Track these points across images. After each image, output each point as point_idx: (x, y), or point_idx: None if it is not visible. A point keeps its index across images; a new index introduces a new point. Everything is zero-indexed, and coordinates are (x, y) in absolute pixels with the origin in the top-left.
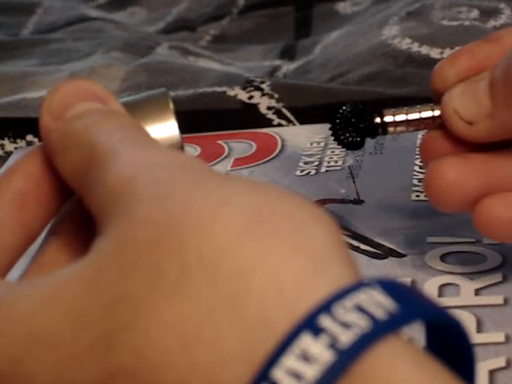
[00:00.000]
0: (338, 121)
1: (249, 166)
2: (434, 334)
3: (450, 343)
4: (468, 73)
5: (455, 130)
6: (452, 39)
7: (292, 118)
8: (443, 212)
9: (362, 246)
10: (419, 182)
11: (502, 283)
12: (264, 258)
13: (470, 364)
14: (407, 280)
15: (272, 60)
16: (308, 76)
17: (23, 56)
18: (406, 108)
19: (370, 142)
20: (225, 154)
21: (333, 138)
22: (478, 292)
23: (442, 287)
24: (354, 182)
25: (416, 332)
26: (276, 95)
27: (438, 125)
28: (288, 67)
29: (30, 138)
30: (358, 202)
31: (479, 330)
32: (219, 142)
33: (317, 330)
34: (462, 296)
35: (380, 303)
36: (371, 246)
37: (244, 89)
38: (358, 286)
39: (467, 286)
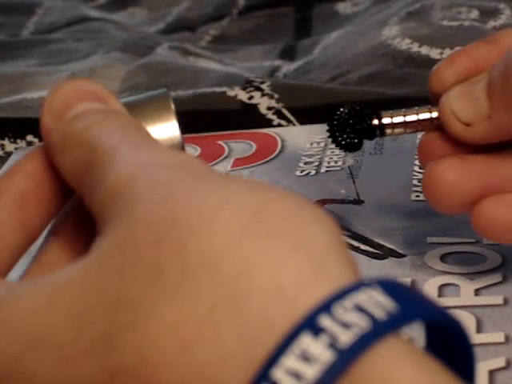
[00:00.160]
0: (335, 122)
1: (249, 166)
2: (433, 334)
3: (449, 343)
4: (466, 74)
5: (453, 131)
6: (452, 39)
7: (292, 118)
8: (442, 213)
9: (362, 247)
10: (419, 182)
11: (502, 283)
12: (264, 257)
13: (470, 364)
14: (407, 280)
15: (272, 60)
16: (308, 76)
17: (23, 56)
18: (403, 110)
19: (369, 143)
20: (225, 155)
21: (331, 140)
22: (477, 292)
23: (441, 287)
24: (353, 182)
25: (416, 332)
26: (276, 95)
27: (435, 126)
28: (288, 67)
29: (30, 138)
30: (358, 202)
31: (479, 330)
32: (219, 142)
33: (317, 330)
34: (461, 296)
35: (380, 303)
36: (371, 247)
37: (244, 89)
38: (358, 286)
39: (467, 286)
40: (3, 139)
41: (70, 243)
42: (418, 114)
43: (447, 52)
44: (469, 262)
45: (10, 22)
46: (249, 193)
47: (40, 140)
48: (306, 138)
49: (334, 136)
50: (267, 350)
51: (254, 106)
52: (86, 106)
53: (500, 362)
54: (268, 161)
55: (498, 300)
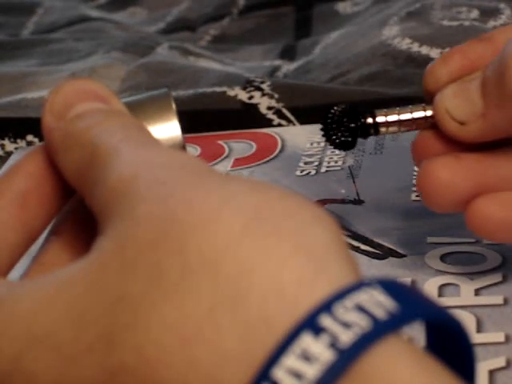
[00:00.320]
0: (329, 121)
1: (249, 166)
2: (434, 334)
3: (450, 343)
4: (460, 72)
5: (447, 130)
6: (452, 39)
7: (292, 118)
8: (437, 212)
9: (362, 247)
10: None
11: (502, 283)
12: (264, 257)
13: (470, 364)
14: (407, 280)
15: (272, 60)
16: (308, 76)
17: (23, 56)
18: (398, 108)
19: (370, 142)
20: (225, 154)
21: (324, 139)
22: (477, 292)
23: (441, 287)
24: (354, 182)
25: (416, 332)
26: (276, 95)
27: (430, 125)
28: (288, 67)
29: (30, 138)
30: (358, 202)
31: (479, 329)
32: (219, 142)
33: (317, 330)
34: (461, 296)
35: (380, 303)
36: (371, 247)
37: (244, 89)
38: (359, 285)
39: (467, 286)
40: (3, 139)
41: (71, 243)
42: (412, 112)
43: None
44: (469, 261)
45: (10, 21)
46: (249, 193)
47: (40, 140)
48: (306, 138)
49: (328, 134)
50: (268, 350)
51: (254, 106)
52: (87, 106)
53: (500, 362)
54: (268, 161)
55: (498, 300)
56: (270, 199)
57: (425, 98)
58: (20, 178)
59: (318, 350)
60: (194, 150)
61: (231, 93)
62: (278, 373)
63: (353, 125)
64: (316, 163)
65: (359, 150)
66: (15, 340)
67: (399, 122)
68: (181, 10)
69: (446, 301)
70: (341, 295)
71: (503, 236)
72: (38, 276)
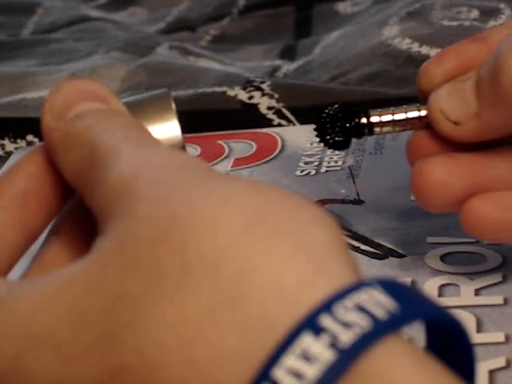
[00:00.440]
0: (323, 121)
1: (249, 166)
2: (434, 333)
3: (450, 343)
4: (455, 72)
5: (442, 130)
6: (452, 39)
7: (292, 118)
8: (431, 212)
9: (362, 247)
10: None
11: (502, 283)
12: (265, 257)
13: (470, 364)
14: (407, 280)
15: (272, 60)
16: (308, 76)
17: (23, 56)
18: (392, 108)
19: (370, 142)
20: (225, 154)
21: (319, 140)
22: (477, 292)
23: (442, 287)
24: (354, 182)
25: (416, 332)
26: (276, 95)
27: (424, 125)
28: (288, 67)
29: (30, 138)
30: (358, 202)
31: (479, 330)
32: (219, 142)
33: (317, 330)
34: (461, 296)
35: (380, 303)
36: (371, 247)
37: (244, 89)
38: (359, 285)
39: (467, 286)
40: (3, 139)
41: (71, 243)
42: (406, 112)
43: None
44: (469, 261)
45: (10, 21)
46: (249, 193)
47: (40, 140)
48: (306, 138)
49: (322, 134)
50: (268, 350)
51: (254, 106)
52: (87, 106)
53: (500, 362)
54: (268, 161)
55: (498, 300)
56: (270, 199)
57: (419, 98)
58: (20, 178)
59: (318, 349)
60: (194, 150)
61: (231, 93)
62: (278, 373)
63: (347, 125)
64: (316, 163)
65: (359, 150)
66: (15, 340)
67: (393, 122)
68: (181, 10)
69: (445, 301)
70: (341, 295)
71: (497, 236)
72: (37, 276)
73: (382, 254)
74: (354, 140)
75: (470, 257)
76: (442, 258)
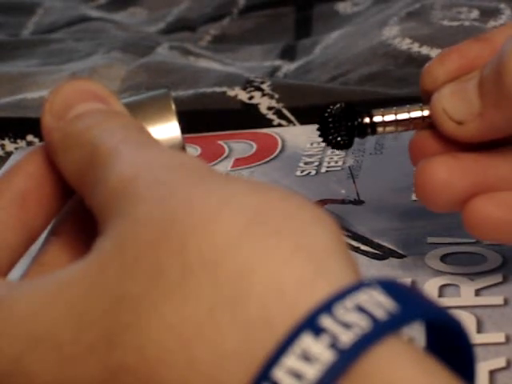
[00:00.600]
0: (326, 120)
1: (249, 166)
2: (434, 334)
3: (450, 343)
4: (458, 72)
5: (445, 130)
6: (452, 39)
7: (292, 118)
8: (434, 211)
9: (362, 247)
10: None
11: (503, 284)
12: (265, 258)
13: (470, 364)
14: (407, 280)
15: (272, 60)
16: (308, 76)
17: (23, 56)
18: (395, 108)
19: (370, 142)
20: (225, 155)
21: (322, 139)
22: (478, 292)
23: (442, 287)
24: (354, 182)
25: (416, 332)
26: (276, 95)
27: (427, 125)
28: (288, 67)
29: (30, 138)
30: (358, 202)
31: (479, 330)
32: (219, 142)
33: (317, 330)
34: (462, 296)
35: (380, 303)
36: (371, 247)
37: (244, 89)
38: (359, 286)
39: (467, 287)
40: (3, 139)
41: (71, 243)
42: (409, 112)
43: None
44: (469, 262)
45: (10, 21)
46: (249, 193)
47: (40, 140)
48: (307, 138)
49: (325, 134)
50: (268, 350)
51: (255, 106)
52: (86, 106)
53: (500, 362)
54: (268, 161)
55: (499, 300)
56: (271, 200)
57: (422, 98)
58: (20, 178)
59: (318, 350)
60: (194, 150)
61: (231, 93)
62: (278, 373)
63: (350, 124)
64: (316, 163)
65: (359, 150)
66: (15, 340)
67: (396, 122)
68: (181, 10)
69: (446, 301)
70: (341, 296)
71: (499, 236)
72: (37, 276)
73: (382, 254)
74: (355, 140)
75: (471, 257)
76: (443, 259)
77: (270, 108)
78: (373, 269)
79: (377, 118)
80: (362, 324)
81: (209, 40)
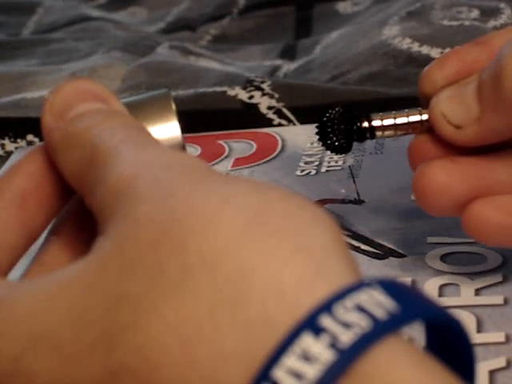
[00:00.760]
0: (324, 124)
1: (249, 165)
2: (434, 334)
3: (450, 343)
4: (456, 76)
5: (443, 134)
6: (452, 39)
7: (292, 117)
8: (433, 215)
9: (363, 246)
10: None
11: (502, 283)
12: (265, 258)
13: (470, 364)
14: (407, 280)
15: (272, 60)
16: (308, 76)
17: (24, 56)
18: (393, 112)
19: (370, 142)
20: (225, 154)
21: (321, 143)
22: (478, 292)
23: (442, 287)
24: (354, 181)
25: (416, 332)
26: (276, 95)
27: (426, 129)
28: (288, 67)
29: (30, 137)
30: (359, 202)
31: (479, 329)
32: (219, 141)
33: (317, 330)
34: (462, 296)
35: (380, 303)
36: (371, 246)
37: (244, 89)
38: (359, 286)
39: (467, 286)
40: (4, 139)
41: (71, 243)
42: (408, 116)
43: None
44: (469, 261)
45: (10, 21)
46: (249, 193)
47: (41, 140)
48: (307, 138)
49: (323, 138)
50: (268, 350)
51: (255, 106)
52: (87, 106)
53: (500, 362)
54: (268, 160)
55: (499, 300)
56: (271, 200)
57: (421, 102)
58: (20, 178)
59: (318, 350)
60: (194, 150)
61: (231, 92)
62: (278, 373)
63: (348, 128)
64: (316, 163)
65: (359, 149)
66: (15, 340)
67: (395, 126)
68: (181, 10)
69: (446, 301)
70: (341, 295)
71: (499, 240)
72: (37, 276)
73: (382, 253)
74: (354, 142)
75: (470, 257)
76: (443, 258)
77: (270, 107)
78: (373, 268)
79: (375, 122)
80: (361, 324)
81: (209, 40)
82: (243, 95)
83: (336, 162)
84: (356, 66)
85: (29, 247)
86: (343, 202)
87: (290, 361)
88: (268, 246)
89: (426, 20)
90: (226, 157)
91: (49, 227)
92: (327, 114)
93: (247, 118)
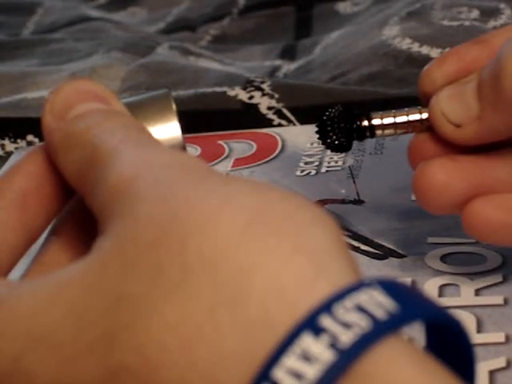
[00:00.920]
0: (324, 123)
1: (249, 166)
2: (434, 334)
3: (450, 343)
4: (456, 75)
5: (443, 132)
6: (452, 39)
7: (292, 118)
8: (433, 214)
9: (363, 247)
10: None
11: (502, 283)
12: (265, 258)
13: (470, 364)
14: (407, 280)
15: (272, 60)
16: (308, 76)
17: (24, 56)
18: (393, 111)
19: (370, 142)
20: (225, 154)
21: (320, 142)
22: (478, 292)
23: (442, 287)
24: (354, 182)
25: (416, 332)
26: (276, 95)
27: (426, 127)
28: (288, 67)
29: (30, 138)
30: (359, 202)
31: (479, 330)
32: (219, 142)
33: (317, 330)
34: (462, 296)
35: (380, 303)
36: (371, 247)
37: (244, 89)
38: (359, 286)
39: (467, 287)
40: (4, 139)
41: (71, 243)
42: (408, 115)
43: None
44: (469, 262)
45: (10, 21)
46: (249, 193)
47: (41, 140)
48: (307, 138)
49: (323, 137)
50: (268, 350)
51: (255, 106)
52: (87, 106)
53: (500, 362)
54: (268, 161)
55: (499, 300)
56: (271, 200)
57: (421, 101)
58: (20, 178)
59: (318, 350)
60: (194, 150)
61: (231, 93)
62: (278, 373)
63: (348, 127)
64: (316, 163)
65: (359, 149)
66: (15, 340)
67: (395, 125)
68: (181, 10)
69: (446, 301)
70: (341, 295)
71: (498, 238)
72: (38, 276)
73: (382, 254)
74: (354, 141)
75: (470, 257)
76: (443, 259)
77: (270, 108)
78: (373, 268)
79: (375, 121)
80: (361, 324)
81: (209, 40)
82: (243, 95)
83: (336, 162)
84: (356, 66)
85: (29, 247)
86: (343, 202)
87: (290, 361)
88: (268, 246)
89: (426, 20)
90: (226, 157)
91: (49, 227)
92: (327, 113)
93: (247, 118)
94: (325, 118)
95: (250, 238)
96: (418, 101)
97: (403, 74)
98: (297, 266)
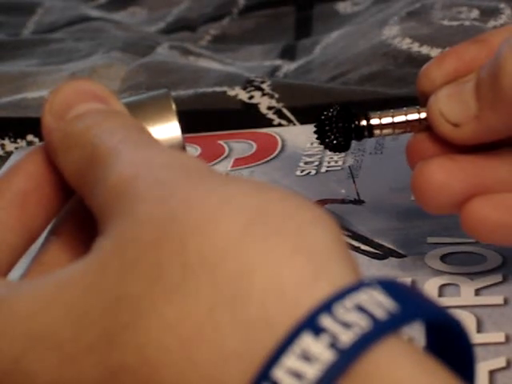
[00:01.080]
0: (322, 122)
1: (249, 166)
2: (434, 334)
3: (450, 343)
4: (455, 74)
5: (441, 132)
6: (452, 39)
7: (292, 117)
8: (431, 213)
9: (363, 247)
10: None
11: (502, 283)
12: (265, 258)
13: (470, 364)
14: (407, 280)
15: (272, 60)
16: (308, 76)
17: (24, 56)
18: (392, 110)
19: (370, 142)
20: (225, 154)
21: (319, 142)
22: (478, 292)
23: (442, 287)
24: (354, 182)
25: (416, 332)
26: (276, 95)
27: (424, 127)
28: (288, 67)
29: (30, 137)
30: (358, 202)
31: (479, 330)
32: (219, 142)
33: (317, 330)
34: (462, 296)
35: (380, 303)
36: (371, 247)
37: (244, 89)
38: (359, 286)
39: (467, 286)
40: (3, 139)
41: (71, 243)
42: (406, 114)
43: None
44: (469, 262)
45: (10, 21)
46: (249, 193)
47: (41, 140)
48: (307, 138)
49: (322, 136)
50: (268, 350)
51: (255, 106)
52: (86, 107)
53: (500, 362)
54: (268, 161)
55: (499, 300)
56: (271, 200)
57: (419, 100)
58: (20, 178)
59: (318, 350)
60: (194, 150)
61: (231, 93)
62: (278, 373)
63: (347, 127)
64: (316, 163)
65: (359, 149)
66: (15, 340)
67: (393, 125)
68: (181, 10)
69: (446, 301)
70: (341, 295)
71: (497, 238)
72: (37, 276)
73: (382, 254)
74: (353, 141)
75: (470, 257)
76: (442, 258)
77: (270, 108)
78: (373, 268)
79: (374, 121)
80: (361, 324)
81: (209, 40)
82: (243, 95)
83: (336, 162)
84: (356, 66)
85: (29, 247)
86: (343, 202)
87: (290, 361)
88: (268, 246)
89: (425, 20)
90: (226, 157)
91: (49, 227)
92: (325, 113)
93: (247, 118)
94: (323, 117)
95: (250, 238)
96: (418, 100)
97: (403, 73)
98: (297, 266)
